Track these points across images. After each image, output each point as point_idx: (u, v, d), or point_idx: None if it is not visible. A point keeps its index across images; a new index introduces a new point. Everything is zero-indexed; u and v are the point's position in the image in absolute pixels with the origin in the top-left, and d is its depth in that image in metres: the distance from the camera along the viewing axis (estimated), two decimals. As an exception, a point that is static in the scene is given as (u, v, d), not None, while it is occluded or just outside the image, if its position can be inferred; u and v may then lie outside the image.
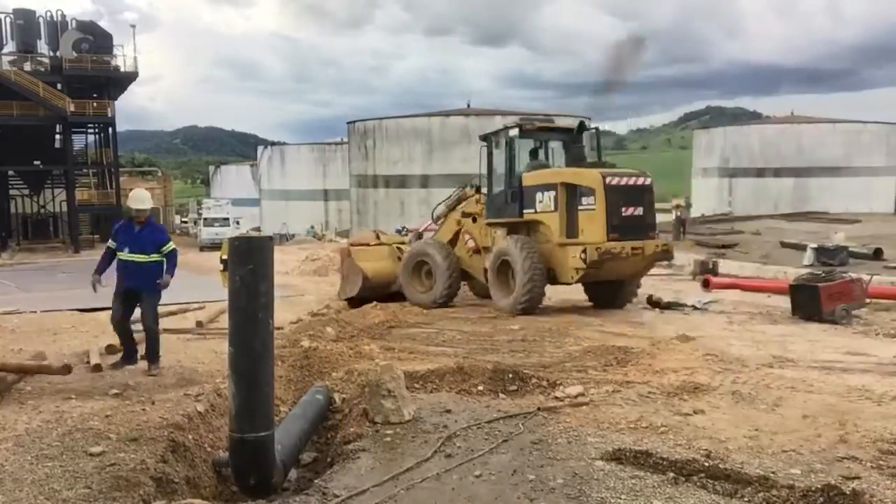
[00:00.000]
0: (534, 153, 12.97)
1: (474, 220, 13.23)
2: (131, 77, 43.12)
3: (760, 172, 50.83)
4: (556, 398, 6.56)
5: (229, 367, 4.66)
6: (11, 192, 45.15)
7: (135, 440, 5.12)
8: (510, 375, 7.12)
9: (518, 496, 4.34)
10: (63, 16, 43.16)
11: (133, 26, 59.04)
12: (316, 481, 4.77)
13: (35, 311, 13.06)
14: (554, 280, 11.84)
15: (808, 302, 11.37)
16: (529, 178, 12.06)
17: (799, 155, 49.51)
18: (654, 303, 12.93)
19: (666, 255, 12.06)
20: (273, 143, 71.48)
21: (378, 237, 16.51)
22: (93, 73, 41.00)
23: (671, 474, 4.65)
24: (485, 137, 13.30)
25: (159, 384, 7.21)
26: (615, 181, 11.22)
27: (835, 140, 49.61)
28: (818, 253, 18.92)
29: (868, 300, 12.22)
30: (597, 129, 13.29)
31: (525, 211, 11.98)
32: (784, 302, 12.23)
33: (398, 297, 13.59)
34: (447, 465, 4.82)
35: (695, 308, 12.72)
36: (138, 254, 7.83)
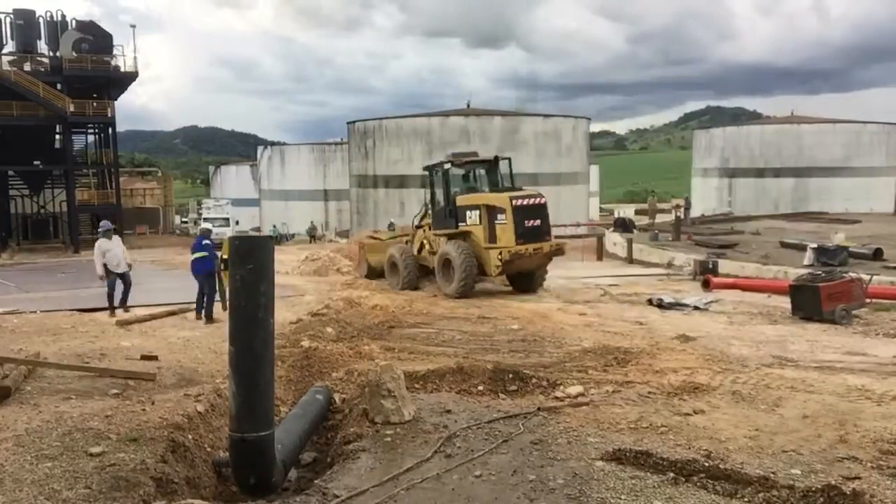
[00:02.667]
0: (465, 178, 17.12)
1: (430, 229, 17.39)
2: (131, 77, 43.05)
3: (760, 172, 50.79)
4: (557, 398, 6.56)
5: (230, 366, 4.67)
6: (11, 192, 45.08)
7: (135, 440, 5.12)
8: (510, 375, 7.12)
9: (518, 496, 4.34)
10: (63, 16, 43.12)
11: (133, 26, 59.04)
12: (316, 481, 4.77)
13: (35, 312, 13.04)
14: (481, 272, 15.67)
15: (808, 302, 11.37)
16: (461, 200, 16.18)
17: (799, 155, 49.48)
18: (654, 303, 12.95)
19: (558, 252, 16.04)
20: (273, 143, 71.47)
21: (375, 235, 21.56)
22: (93, 73, 40.93)
23: (671, 474, 4.64)
24: (427, 168, 17.88)
25: (159, 384, 7.20)
26: (519, 202, 15.27)
27: (835, 140, 49.58)
28: (818, 253, 18.91)
29: (868, 300, 12.21)
30: (508, 159, 17.25)
31: (460, 224, 16.02)
32: (784, 302, 12.22)
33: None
34: (447, 465, 4.82)
35: (695, 308, 12.72)
36: None
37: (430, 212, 17.76)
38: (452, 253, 15.39)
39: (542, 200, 15.74)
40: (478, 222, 15.59)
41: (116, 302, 12.55)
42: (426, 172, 17.62)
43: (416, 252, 17.53)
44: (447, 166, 16.73)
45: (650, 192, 46.52)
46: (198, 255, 12.30)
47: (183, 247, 40.16)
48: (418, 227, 18.15)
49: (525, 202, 15.34)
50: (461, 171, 17.04)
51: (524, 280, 16.28)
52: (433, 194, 17.43)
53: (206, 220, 42.98)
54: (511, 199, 15.15)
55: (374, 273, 18.42)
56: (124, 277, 12.60)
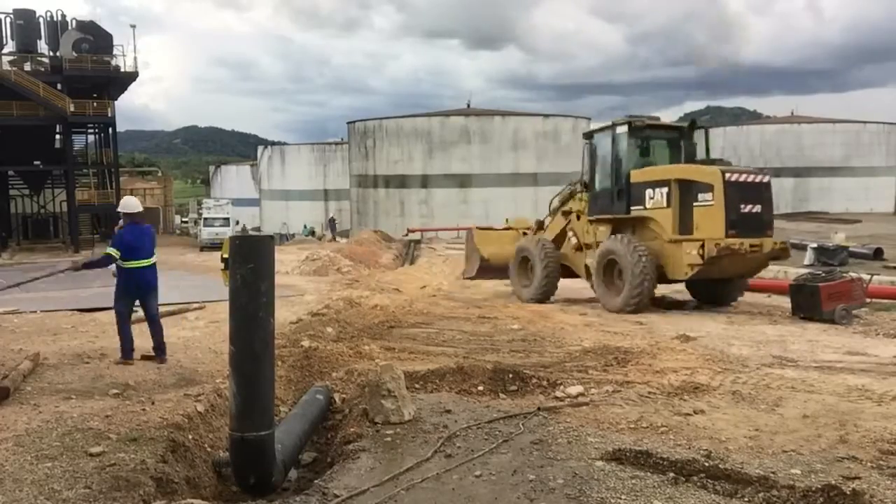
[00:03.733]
0: (643, 150, 12.70)
1: (578, 218, 13.46)
2: (131, 77, 43.06)
3: (760, 172, 50.85)
4: (557, 398, 6.56)
5: (230, 365, 4.67)
6: (11, 192, 45.10)
7: (135, 440, 5.12)
8: (510, 375, 7.12)
9: (518, 496, 4.34)
10: (63, 16, 43.14)
11: (133, 26, 59.05)
12: (316, 481, 4.77)
13: (35, 311, 13.05)
14: (661, 278, 11.73)
15: (808, 302, 11.36)
16: (638, 175, 12.00)
17: (799, 155, 49.54)
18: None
19: (783, 253, 11.84)
20: (273, 143, 71.48)
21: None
22: (93, 73, 40.93)
23: (671, 474, 4.64)
24: (589, 135, 13.46)
25: (159, 384, 7.21)
26: (735, 177, 11.14)
27: (835, 140, 49.64)
28: (818, 253, 18.93)
29: (868, 300, 12.21)
30: (706, 128, 13.15)
31: (633, 208, 11.99)
32: (784, 302, 12.22)
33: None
34: (447, 466, 4.82)
35: (696, 308, 12.72)
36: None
37: (578, 193, 13.60)
38: (620, 251, 11.66)
39: (767, 178, 11.60)
40: (664, 204, 11.54)
41: None
42: (586, 141, 13.43)
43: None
44: (621, 130, 12.41)
45: None
46: None
47: (183, 247, 40.23)
48: (563, 211, 13.98)
49: (743, 178, 11.32)
50: (637, 140, 12.62)
51: (715, 289, 12.25)
52: (593, 168, 13.12)
53: (206, 219, 43.00)
54: (723, 171, 11.17)
55: (488, 270, 14.83)
56: None
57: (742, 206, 11.10)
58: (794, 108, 58.05)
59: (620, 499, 4.27)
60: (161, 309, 8.79)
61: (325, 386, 6.99)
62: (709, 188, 11.11)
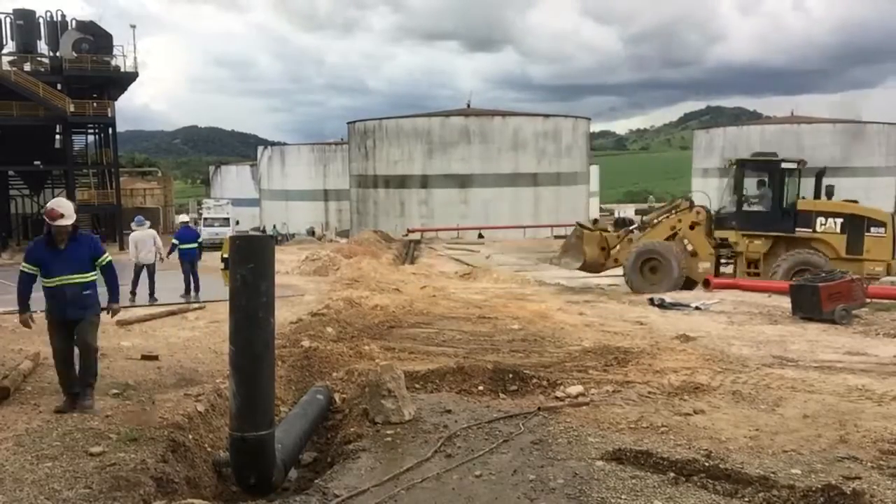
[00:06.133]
0: (763, 182, 16.21)
1: (692, 228, 16.28)
2: (131, 77, 43.04)
3: (760, 172, 50.85)
4: (557, 398, 6.56)
5: (230, 365, 4.67)
6: (11, 192, 45.09)
7: (135, 440, 5.12)
8: (510, 375, 7.12)
9: (518, 496, 4.34)
10: (63, 16, 43.12)
11: (133, 26, 59.07)
12: (316, 481, 4.77)
13: (35, 311, 13.03)
14: None
15: (808, 302, 11.37)
16: (807, 205, 15.56)
17: (799, 155, 49.50)
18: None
19: None
20: (273, 144, 71.51)
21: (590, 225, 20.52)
22: (93, 73, 40.90)
23: (671, 474, 4.64)
24: (742, 162, 16.68)
25: (159, 384, 7.20)
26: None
27: (835, 140, 49.64)
28: (818, 253, 18.87)
29: (868, 300, 12.21)
30: (822, 171, 16.78)
31: (798, 229, 15.35)
32: (784, 302, 12.22)
33: None
34: (447, 465, 4.82)
35: (696, 308, 12.72)
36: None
37: (681, 205, 16.72)
38: (814, 259, 14.81)
39: None
40: (837, 231, 15.15)
41: (136, 288, 14.30)
42: (734, 164, 16.68)
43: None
44: (786, 166, 16.00)
45: (649, 198, 46.64)
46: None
47: (183, 247, 40.18)
48: (670, 224, 16.71)
49: None
50: (793, 172, 16.18)
51: None
52: (740, 190, 16.22)
53: (206, 219, 43.01)
54: (892, 214, 15.82)
55: (587, 268, 17.58)
56: (150, 269, 14.53)
57: None
58: (793, 108, 58.09)
59: (620, 499, 4.27)
60: (161, 309, 8.79)
61: (326, 386, 6.99)
62: (882, 224, 15.10)
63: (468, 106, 45.81)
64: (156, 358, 8.31)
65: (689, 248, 16.14)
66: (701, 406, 6.24)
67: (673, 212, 16.98)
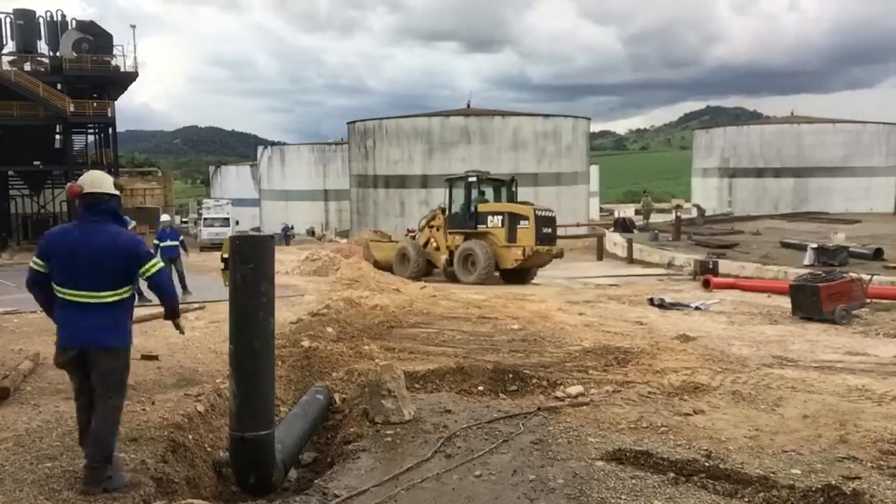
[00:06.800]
0: (480, 191, 20.87)
1: (437, 230, 21.03)
2: (131, 77, 43.06)
3: (760, 172, 50.78)
4: (557, 398, 6.56)
5: (230, 365, 4.66)
6: (11, 192, 45.11)
7: (135, 440, 5.12)
8: (510, 375, 7.12)
9: (518, 496, 4.34)
10: (63, 16, 43.15)
11: (133, 26, 59.03)
12: (316, 481, 4.77)
13: (35, 312, 13.03)
14: (495, 267, 19.37)
15: (808, 302, 11.38)
16: (483, 207, 20.11)
17: (799, 155, 49.47)
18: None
19: (559, 255, 20.15)
20: (273, 144, 71.45)
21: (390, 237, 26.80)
22: (93, 73, 40.94)
23: (671, 474, 4.65)
24: (449, 180, 21.49)
25: (159, 384, 7.20)
26: (539, 213, 19.31)
27: (835, 140, 49.58)
28: (818, 253, 18.92)
29: (868, 300, 12.21)
30: (515, 179, 21.38)
31: (479, 226, 19.79)
32: (784, 302, 12.23)
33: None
34: (447, 466, 4.82)
35: (696, 308, 12.73)
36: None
37: (437, 215, 21.14)
38: (476, 249, 19.20)
39: (553, 214, 20.26)
40: (500, 225, 19.39)
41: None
42: (447, 183, 21.28)
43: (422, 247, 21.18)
44: (472, 179, 20.56)
45: (644, 193, 46.48)
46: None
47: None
48: (430, 226, 21.42)
49: (543, 214, 19.58)
50: (475, 183, 20.66)
51: (521, 274, 19.82)
52: (450, 200, 20.88)
53: (206, 219, 42.95)
54: (535, 210, 19.45)
55: (379, 267, 21.16)
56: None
57: (543, 228, 19.13)
58: (793, 108, 58.03)
59: (620, 499, 4.27)
60: (160, 309, 8.71)
61: (325, 386, 6.99)
62: (526, 217, 19.06)
63: (468, 106, 45.75)
64: (156, 358, 8.29)
65: (434, 244, 20.94)
66: (701, 406, 6.24)
67: (434, 218, 21.66)
